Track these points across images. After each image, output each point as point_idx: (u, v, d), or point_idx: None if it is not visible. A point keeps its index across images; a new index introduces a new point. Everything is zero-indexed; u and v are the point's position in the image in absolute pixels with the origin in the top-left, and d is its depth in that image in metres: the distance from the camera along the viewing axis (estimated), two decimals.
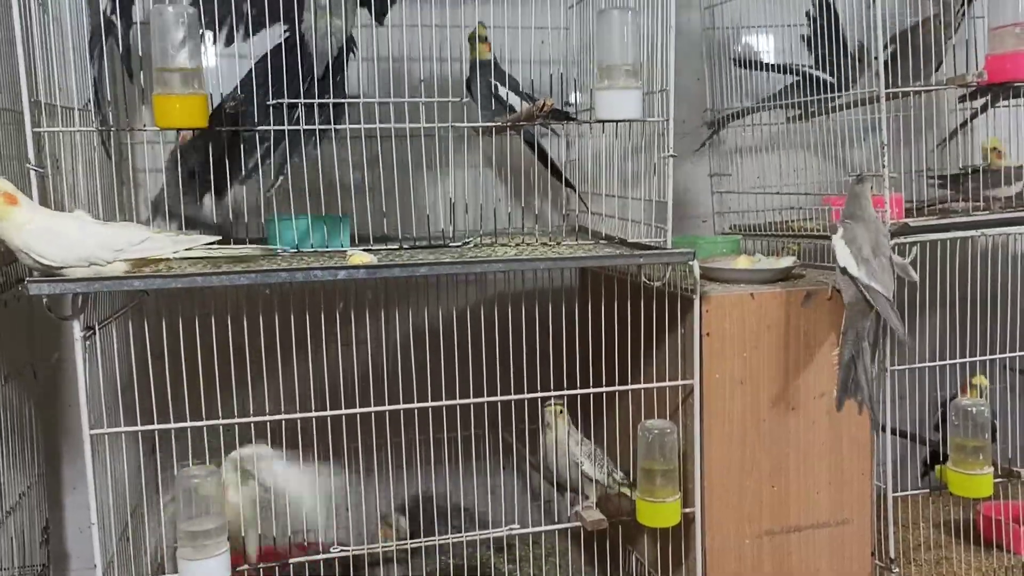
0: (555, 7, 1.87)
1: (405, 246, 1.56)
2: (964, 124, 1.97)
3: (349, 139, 1.49)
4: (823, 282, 1.67)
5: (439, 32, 1.86)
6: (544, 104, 1.47)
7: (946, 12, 1.76)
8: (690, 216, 2.27)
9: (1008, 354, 1.82)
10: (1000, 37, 1.62)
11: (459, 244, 1.58)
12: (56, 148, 1.37)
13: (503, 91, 1.76)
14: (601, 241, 1.71)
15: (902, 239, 1.64)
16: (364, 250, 1.47)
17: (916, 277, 1.58)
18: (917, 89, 1.71)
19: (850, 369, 1.53)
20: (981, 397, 1.72)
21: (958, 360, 1.80)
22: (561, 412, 1.63)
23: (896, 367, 1.71)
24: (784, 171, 2.03)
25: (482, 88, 1.74)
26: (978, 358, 1.80)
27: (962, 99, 1.91)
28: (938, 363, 1.81)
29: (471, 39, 1.76)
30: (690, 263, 1.52)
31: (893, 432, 1.75)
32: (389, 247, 1.56)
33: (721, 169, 2.19)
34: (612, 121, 1.55)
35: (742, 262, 1.73)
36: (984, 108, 1.85)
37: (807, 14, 1.93)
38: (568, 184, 1.85)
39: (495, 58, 1.77)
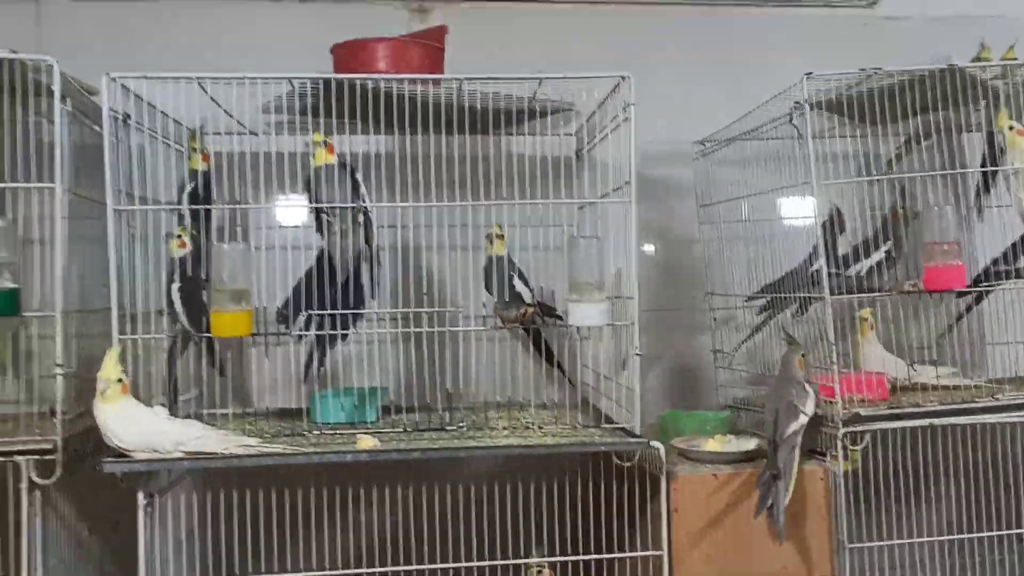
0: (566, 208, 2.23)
1: (410, 428, 1.86)
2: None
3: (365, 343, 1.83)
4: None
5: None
6: (525, 312, 1.78)
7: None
8: (706, 388, 2.49)
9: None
10: (931, 252, 1.86)
11: (454, 428, 1.86)
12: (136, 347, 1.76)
13: (517, 283, 2.06)
14: (591, 421, 1.96)
15: (853, 428, 1.83)
16: (374, 434, 1.78)
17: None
18: (860, 296, 1.94)
19: (768, 487, 1.75)
20: None
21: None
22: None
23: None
24: (768, 353, 2.25)
25: (498, 279, 2.04)
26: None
27: None
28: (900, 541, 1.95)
29: (489, 237, 2.05)
30: (651, 448, 1.75)
31: None
32: (395, 429, 1.85)
33: (721, 346, 2.43)
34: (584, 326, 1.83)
35: (712, 444, 1.94)
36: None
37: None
38: (560, 368, 2.13)
39: (508, 253, 2.06)
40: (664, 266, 2.50)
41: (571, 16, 2.50)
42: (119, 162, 1.70)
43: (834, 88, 1.96)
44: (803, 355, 1.86)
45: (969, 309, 2.18)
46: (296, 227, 2.08)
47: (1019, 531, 2.03)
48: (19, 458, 1.65)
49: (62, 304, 1.69)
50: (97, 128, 1.91)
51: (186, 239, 1.82)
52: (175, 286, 1.81)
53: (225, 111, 1.89)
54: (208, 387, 1.98)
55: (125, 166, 1.72)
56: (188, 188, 1.89)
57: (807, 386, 1.83)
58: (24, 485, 1.65)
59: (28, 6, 2.25)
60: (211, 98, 1.78)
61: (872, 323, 2.06)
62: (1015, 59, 2.03)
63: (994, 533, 2.05)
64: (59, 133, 1.65)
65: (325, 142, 1.78)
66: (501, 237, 2.03)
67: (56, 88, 1.64)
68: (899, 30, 2.59)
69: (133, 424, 1.62)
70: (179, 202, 1.86)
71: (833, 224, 1.98)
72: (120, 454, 1.63)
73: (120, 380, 1.63)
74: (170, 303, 1.81)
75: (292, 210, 2.14)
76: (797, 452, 1.77)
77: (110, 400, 1.62)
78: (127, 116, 1.72)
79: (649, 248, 2.51)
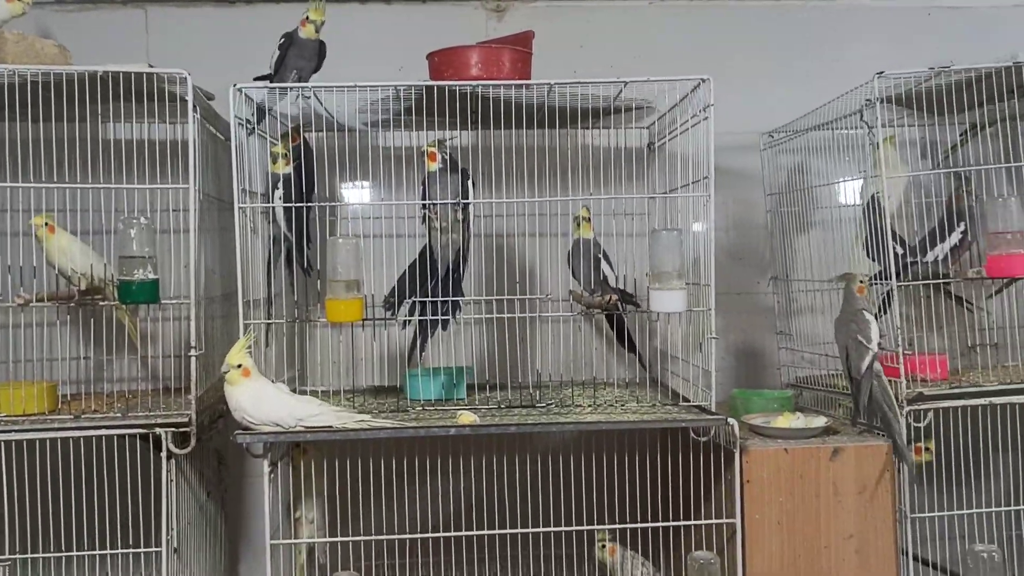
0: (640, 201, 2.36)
1: (503, 405, 2.03)
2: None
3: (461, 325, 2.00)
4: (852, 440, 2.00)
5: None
6: (610, 299, 1.93)
7: None
8: (767, 367, 2.63)
9: None
10: (994, 241, 1.96)
11: (543, 405, 2.02)
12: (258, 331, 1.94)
13: (603, 265, 2.17)
14: (667, 399, 2.11)
15: (917, 405, 1.95)
16: (470, 409, 1.95)
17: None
18: (926, 282, 2.05)
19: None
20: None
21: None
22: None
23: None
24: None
25: (584, 263, 2.12)
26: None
27: None
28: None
29: (576, 220, 2.13)
30: (727, 425, 1.89)
31: (915, 559, 2.00)
32: (489, 407, 2.02)
33: (785, 328, 2.55)
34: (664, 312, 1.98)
35: (781, 421, 2.08)
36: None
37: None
38: (633, 351, 2.27)
39: (594, 236, 2.15)
40: (731, 251, 2.62)
41: (646, 12, 2.61)
42: (244, 165, 1.87)
43: (903, 83, 2.06)
44: (861, 281, 2.01)
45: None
46: (390, 218, 2.25)
47: None
48: (159, 430, 1.85)
49: (194, 293, 1.87)
50: (211, 129, 2.09)
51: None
52: (278, 193, 1.97)
53: (328, 114, 2.04)
54: (311, 366, 2.16)
55: (247, 167, 1.90)
56: (280, 192, 2.01)
57: (866, 315, 1.98)
58: (164, 454, 1.85)
59: (137, 14, 2.44)
60: (324, 108, 1.93)
61: None
62: None
63: None
64: (192, 139, 1.82)
65: (427, 152, 1.93)
66: (588, 220, 2.10)
67: (189, 98, 1.81)
68: (962, 18, 2.66)
69: (259, 402, 1.81)
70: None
71: (874, 211, 2.04)
72: (246, 428, 1.82)
73: (240, 365, 1.80)
74: (272, 212, 1.98)
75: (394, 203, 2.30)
76: (877, 382, 1.94)
77: (234, 382, 1.80)
78: (251, 123, 1.88)
79: (717, 232, 2.63)
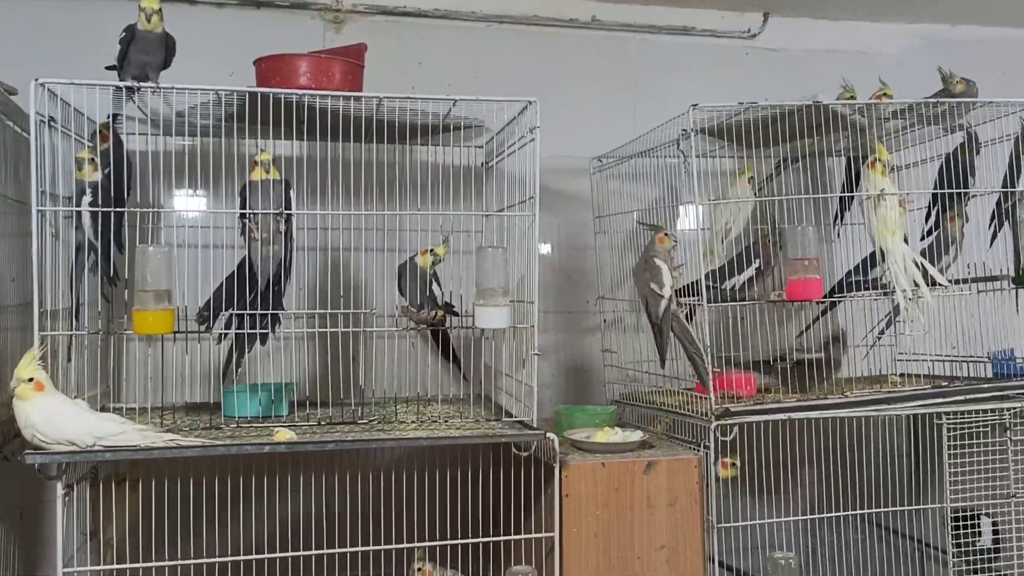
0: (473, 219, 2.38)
1: (323, 422, 1.98)
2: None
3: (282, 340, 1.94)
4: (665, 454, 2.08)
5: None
6: (435, 315, 1.93)
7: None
8: (596, 383, 2.71)
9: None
10: (793, 267, 2.11)
11: (366, 421, 1.99)
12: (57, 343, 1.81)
13: (434, 287, 2.17)
14: (492, 415, 2.13)
15: (724, 421, 2.06)
16: (290, 427, 1.89)
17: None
18: (733, 303, 2.18)
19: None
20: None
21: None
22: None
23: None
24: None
25: (410, 280, 2.08)
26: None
27: None
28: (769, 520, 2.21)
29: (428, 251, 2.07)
30: (547, 439, 1.93)
31: (721, 565, 2.11)
32: (308, 423, 1.98)
33: (610, 345, 2.64)
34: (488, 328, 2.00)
35: (600, 436, 2.14)
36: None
37: None
38: (456, 365, 2.29)
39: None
40: (564, 271, 2.70)
41: (484, 33, 2.66)
42: (45, 164, 1.74)
43: (716, 116, 2.18)
44: (667, 233, 2.16)
45: (824, 313, 2.47)
46: (208, 228, 2.16)
47: (866, 511, 2.31)
48: None
49: None
50: (13, 126, 1.95)
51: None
52: (86, 200, 1.82)
53: (145, 114, 1.95)
54: (119, 381, 2.04)
55: (48, 168, 1.77)
56: (87, 200, 1.86)
57: (657, 261, 2.12)
58: None
59: None
60: (138, 106, 1.84)
61: None
62: (890, 95, 2.30)
63: (843, 513, 2.33)
64: None
65: (257, 162, 1.87)
66: (430, 252, 2.06)
67: None
68: (776, 59, 2.87)
69: (53, 419, 1.68)
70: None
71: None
72: (37, 447, 1.69)
73: (31, 379, 1.68)
74: (77, 218, 1.84)
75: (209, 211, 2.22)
76: (676, 324, 2.11)
77: (24, 398, 1.67)
78: (52, 119, 1.76)
79: (547, 253, 2.70)
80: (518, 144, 2.04)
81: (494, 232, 2.35)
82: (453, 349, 2.29)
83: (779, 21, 2.86)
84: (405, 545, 1.97)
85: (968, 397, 2.18)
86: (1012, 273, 2.30)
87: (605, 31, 2.73)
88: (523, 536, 2.02)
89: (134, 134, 2.12)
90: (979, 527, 2.26)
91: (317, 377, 2.24)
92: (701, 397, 2.10)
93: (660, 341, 2.12)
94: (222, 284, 1.92)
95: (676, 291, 2.16)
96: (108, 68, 1.90)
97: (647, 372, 2.45)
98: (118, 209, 1.83)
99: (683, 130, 2.12)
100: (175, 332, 1.84)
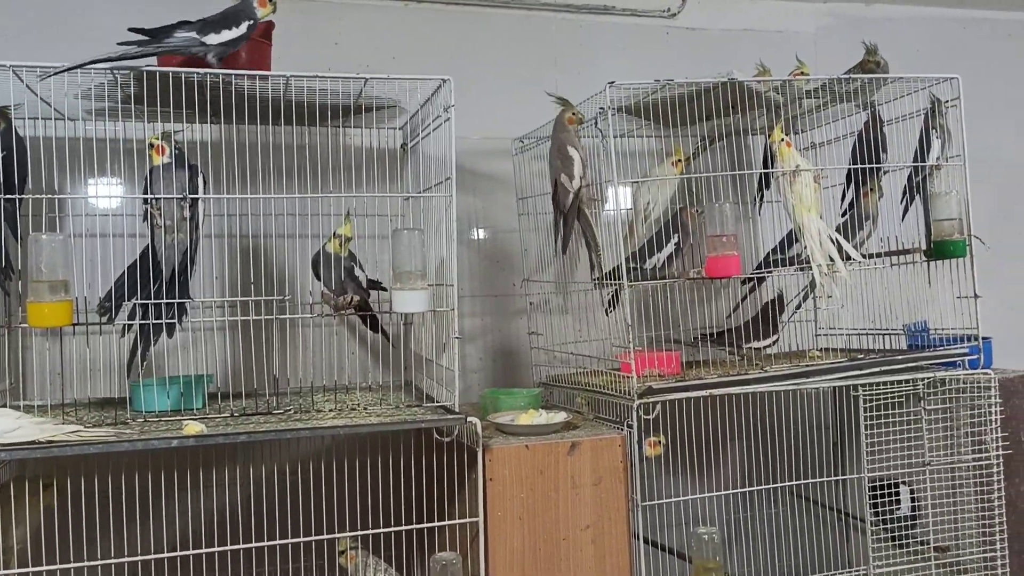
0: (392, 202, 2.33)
1: (236, 413, 1.92)
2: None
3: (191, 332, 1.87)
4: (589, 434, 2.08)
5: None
6: (351, 300, 1.88)
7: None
8: (523, 366, 2.69)
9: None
10: (712, 243, 2.12)
11: (281, 412, 1.94)
12: None
13: (356, 269, 2.12)
14: (415, 400, 2.10)
15: (647, 399, 2.07)
16: (203, 420, 1.83)
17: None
18: (654, 282, 2.18)
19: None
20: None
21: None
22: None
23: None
24: (582, 332, 2.47)
25: (324, 266, 2.07)
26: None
27: None
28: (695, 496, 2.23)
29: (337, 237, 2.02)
30: (467, 424, 1.91)
31: (645, 541, 2.12)
32: (221, 415, 1.91)
33: (536, 328, 2.63)
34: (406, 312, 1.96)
35: (524, 418, 2.13)
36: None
37: None
38: (393, 346, 2.25)
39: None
40: (489, 255, 2.67)
41: (401, 13, 2.60)
42: None
43: (634, 95, 2.18)
44: (574, 113, 2.15)
45: (752, 292, 2.50)
46: (112, 216, 2.07)
47: (789, 484, 2.34)
48: None
49: None
50: None
51: None
52: None
53: (42, 99, 1.86)
54: (22, 378, 1.95)
55: None
56: None
57: (571, 150, 2.13)
58: None
59: None
60: (27, 86, 1.75)
61: None
62: (806, 73, 2.32)
63: (766, 487, 2.36)
64: None
65: (152, 144, 1.79)
66: (338, 237, 2.02)
67: None
68: (697, 39, 2.88)
69: None
70: None
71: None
72: None
73: None
74: None
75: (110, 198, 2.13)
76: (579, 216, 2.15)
77: None
78: None
79: (477, 238, 2.67)
80: (433, 124, 2.00)
81: (420, 215, 2.30)
82: (383, 328, 2.25)
83: (699, 1, 2.87)
84: (326, 536, 1.94)
85: (883, 369, 2.22)
86: (924, 246, 2.35)
87: (526, 10, 2.70)
88: (447, 522, 1.99)
89: (36, 118, 2.01)
90: (898, 496, 2.31)
91: (234, 369, 2.17)
92: (624, 376, 2.10)
93: (563, 228, 2.17)
94: (123, 273, 1.84)
95: (585, 185, 2.18)
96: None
97: (573, 354, 2.45)
98: (8, 196, 1.74)
99: (601, 108, 2.11)
100: (74, 324, 1.76)
